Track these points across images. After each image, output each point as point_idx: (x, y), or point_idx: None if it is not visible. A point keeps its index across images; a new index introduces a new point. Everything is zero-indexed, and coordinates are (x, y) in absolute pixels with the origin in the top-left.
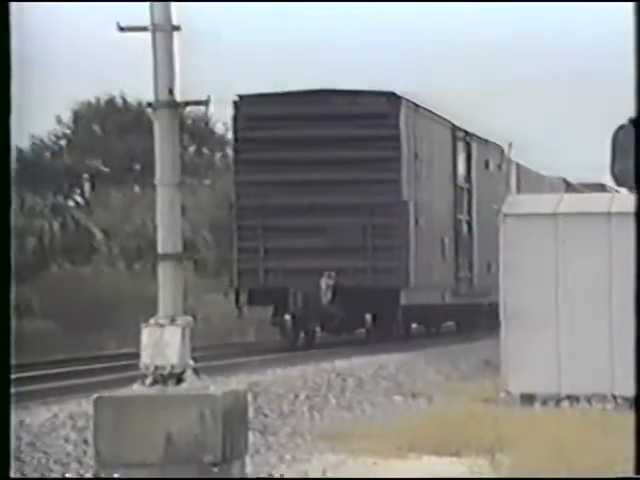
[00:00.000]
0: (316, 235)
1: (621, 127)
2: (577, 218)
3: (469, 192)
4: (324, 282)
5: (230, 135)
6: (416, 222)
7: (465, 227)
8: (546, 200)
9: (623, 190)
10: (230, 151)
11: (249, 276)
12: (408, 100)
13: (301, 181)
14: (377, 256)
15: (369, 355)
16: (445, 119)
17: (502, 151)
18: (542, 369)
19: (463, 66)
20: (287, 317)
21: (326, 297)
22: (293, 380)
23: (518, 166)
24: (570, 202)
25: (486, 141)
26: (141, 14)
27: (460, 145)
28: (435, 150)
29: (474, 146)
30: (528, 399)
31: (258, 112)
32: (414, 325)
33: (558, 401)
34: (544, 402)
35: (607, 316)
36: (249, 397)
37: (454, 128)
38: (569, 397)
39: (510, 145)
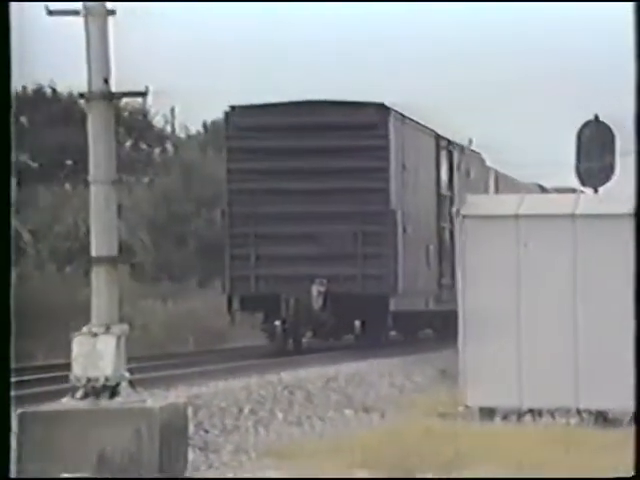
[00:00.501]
0: (307, 243)
1: (586, 124)
2: (540, 220)
3: (451, 200)
4: (315, 289)
5: (169, 129)
6: (404, 230)
7: (447, 234)
8: (507, 201)
9: (588, 191)
10: (170, 146)
11: (241, 283)
12: (396, 111)
13: (292, 190)
14: (367, 263)
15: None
16: (429, 128)
17: (481, 159)
18: (503, 381)
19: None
20: (277, 323)
21: (317, 303)
22: (236, 393)
23: (496, 173)
24: (532, 203)
25: (462, 147)
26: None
27: (443, 154)
28: (420, 159)
29: (456, 155)
30: (488, 413)
31: (249, 122)
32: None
33: (520, 415)
34: (505, 416)
35: (572, 323)
36: (189, 411)
37: (437, 137)
38: (531, 411)
39: (470, 141)
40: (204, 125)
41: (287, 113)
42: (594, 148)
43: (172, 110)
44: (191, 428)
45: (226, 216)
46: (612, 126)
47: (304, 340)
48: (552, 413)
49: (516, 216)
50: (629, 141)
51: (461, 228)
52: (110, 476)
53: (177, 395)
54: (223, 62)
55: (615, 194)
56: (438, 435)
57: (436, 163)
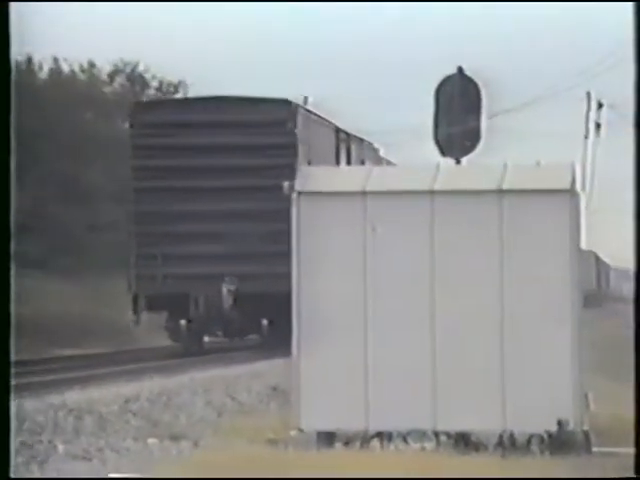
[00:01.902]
0: (215, 241)
1: (446, 80)
2: (391, 198)
3: None
4: (225, 287)
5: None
6: None
7: None
8: (352, 174)
9: (449, 161)
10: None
11: (147, 282)
12: (302, 106)
13: (200, 188)
14: (275, 262)
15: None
16: (330, 122)
17: (375, 149)
18: (345, 398)
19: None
20: (182, 322)
21: (227, 302)
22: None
23: (388, 163)
24: (383, 177)
25: (362, 140)
26: None
27: (342, 147)
28: (323, 154)
29: (353, 147)
30: (327, 438)
31: (154, 119)
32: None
33: (365, 440)
34: (347, 442)
35: (429, 325)
36: None
37: (337, 130)
38: (380, 435)
39: (306, 98)
40: None
41: (193, 109)
42: (456, 109)
43: None
44: None
45: (131, 215)
46: (478, 81)
47: (207, 340)
48: (404, 437)
49: (363, 193)
50: (497, 99)
51: (296, 207)
52: None
53: None
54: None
55: (481, 166)
56: (264, 467)
57: (336, 156)
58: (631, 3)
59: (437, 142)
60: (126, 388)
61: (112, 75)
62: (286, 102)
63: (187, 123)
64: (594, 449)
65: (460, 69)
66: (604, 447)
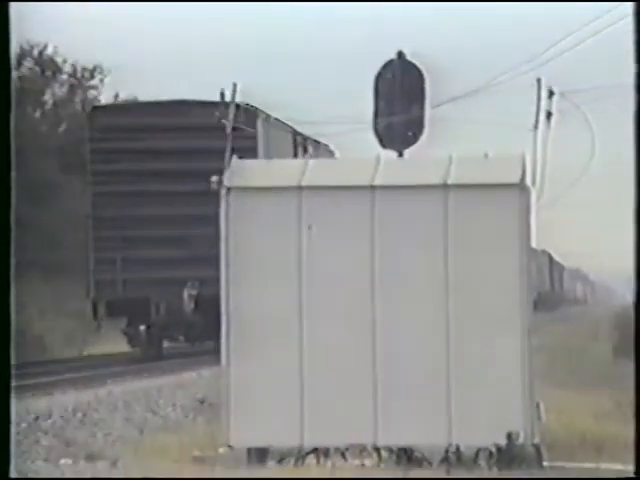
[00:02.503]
0: (176, 245)
1: (387, 65)
2: (329, 193)
3: None
4: (187, 292)
5: None
6: None
7: None
8: (286, 168)
9: (390, 153)
10: None
11: (107, 287)
12: (262, 111)
13: (159, 192)
14: None
15: None
16: (288, 125)
17: (331, 151)
18: (279, 411)
19: None
20: (142, 327)
21: (189, 307)
22: None
23: None
24: (320, 171)
25: (319, 143)
26: None
27: (300, 150)
28: (281, 157)
29: (310, 150)
30: (259, 455)
31: (112, 123)
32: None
33: (301, 457)
34: (281, 459)
35: (369, 333)
36: None
37: (295, 133)
38: (316, 451)
39: (234, 86)
40: None
41: (152, 113)
42: (397, 97)
43: None
44: None
45: (90, 219)
46: (421, 67)
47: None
48: (343, 452)
49: (298, 188)
50: (441, 87)
51: (225, 205)
52: None
53: None
54: None
55: (425, 159)
56: None
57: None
58: (631, 3)
59: (377, 133)
60: (37, 403)
61: (19, 59)
62: (246, 107)
63: (147, 127)
64: (545, 464)
65: (401, 54)
66: (556, 462)
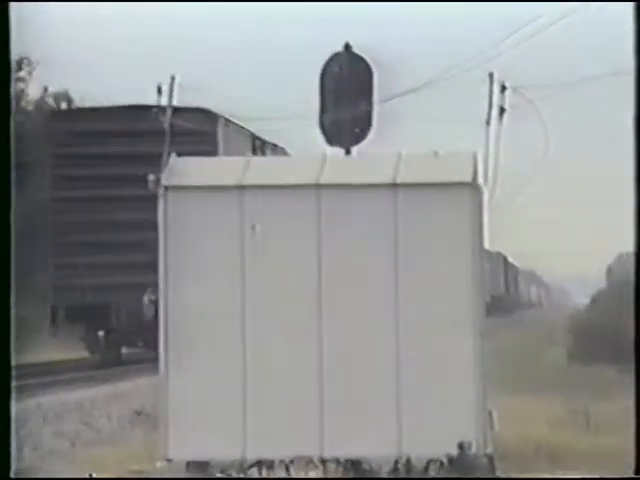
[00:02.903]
0: (136, 251)
1: (333, 57)
2: (272, 193)
3: None
4: (147, 297)
5: None
6: None
7: None
8: (227, 166)
9: (337, 151)
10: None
11: (66, 293)
12: (222, 116)
13: (119, 197)
14: None
15: None
16: (247, 129)
17: (288, 154)
18: (220, 423)
19: None
20: (101, 333)
21: (149, 313)
22: None
23: None
24: (263, 169)
25: (276, 146)
26: None
27: (259, 153)
28: None
29: (268, 153)
30: (199, 469)
31: (72, 127)
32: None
33: (243, 470)
34: (222, 471)
35: (315, 339)
36: None
37: (253, 137)
38: (259, 463)
39: (172, 79)
40: None
41: (115, 118)
42: (344, 92)
43: None
44: None
45: (50, 225)
46: (369, 60)
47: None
48: (287, 465)
49: (240, 187)
50: (390, 81)
51: (163, 205)
52: None
53: None
54: None
55: (373, 156)
56: None
57: None
58: (631, 3)
59: (323, 130)
60: None
61: None
62: (206, 111)
63: (105, 132)
64: (498, 474)
65: (348, 46)
66: (509, 472)
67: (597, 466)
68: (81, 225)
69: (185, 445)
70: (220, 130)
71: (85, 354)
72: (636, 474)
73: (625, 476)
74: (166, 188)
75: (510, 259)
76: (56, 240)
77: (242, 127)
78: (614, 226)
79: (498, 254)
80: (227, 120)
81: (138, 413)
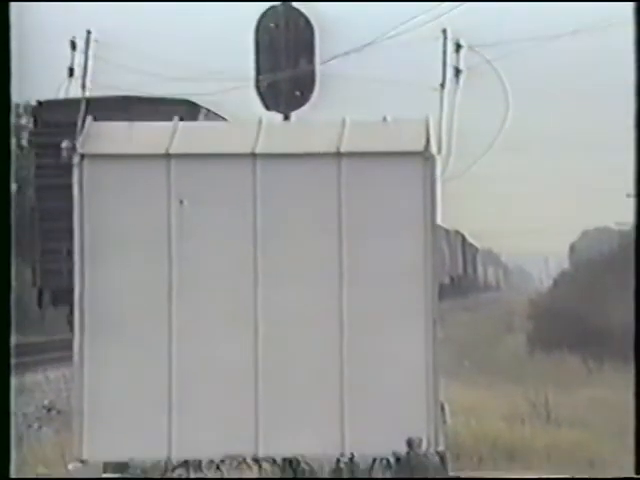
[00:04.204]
0: None
1: (268, 11)
2: (203, 162)
3: None
4: None
5: None
6: None
7: None
8: (153, 132)
9: (275, 116)
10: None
11: (53, 276)
12: (203, 106)
13: None
14: None
15: None
16: (225, 119)
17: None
18: (142, 419)
19: None
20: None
21: None
22: None
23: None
24: (192, 136)
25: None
26: None
27: None
28: None
29: None
30: (117, 471)
31: (56, 118)
32: None
33: (167, 471)
34: (144, 474)
35: (250, 325)
36: None
37: None
38: (185, 464)
39: (88, 34)
40: None
41: (97, 108)
42: (282, 50)
43: None
44: None
45: (36, 211)
46: (309, 15)
47: None
48: (218, 465)
49: (166, 156)
50: (333, 38)
51: (78, 174)
52: None
53: None
54: None
55: (314, 122)
56: None
57: None
58: (631, 3)
59: (259, 92)
60: None
61: None
62: (188, 102)
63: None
64: (451, 474)
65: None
66: (463, 471)
67: (558, 464)
68: (66, 212)
69: (102, 444)
70: (201, 120)
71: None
72: (636, 474)
73: (625, 476)
74: (82, 156)
75: (468, 237)
76: (43, 227)
77: (222, 117)
78: (579, 201)
79: (456, 232)
80: (208, 111)
81: (48, 409)
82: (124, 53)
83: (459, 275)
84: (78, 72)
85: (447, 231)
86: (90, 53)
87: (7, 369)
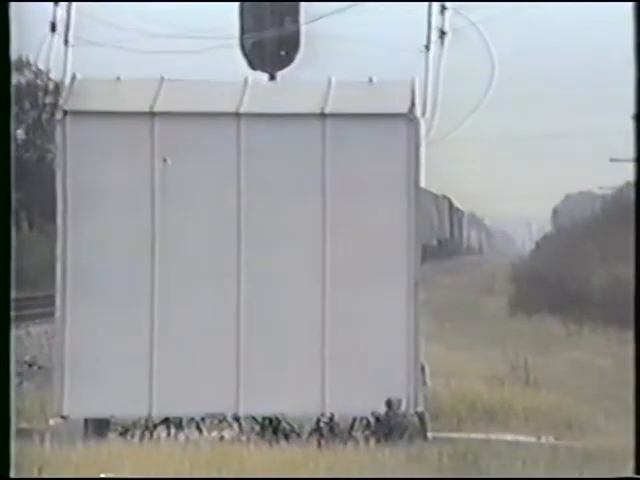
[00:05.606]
0: None
1: None
2: (187, 121)
3: None
4: None
5: None
6: None
7: None
8: (137, 90)
9: (261, 76)
10: None
11: None
12: None
13: None
14: None
15: None
16: None
17: None
18: (123, 376)
19: None
20: None
21: None
22: None
23: None
24: (177, 95)
25: None
26: None
27: None
28: None
29: None
30: (98, 427)
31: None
32: None
33: (148, 429)
34: (125, 431)
35: (232, 285)
36: None
37: None
38: (166, 422)
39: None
40: None
41: None
42: (267, 9)
43: None
44: None
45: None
46: None
47: None
48: (198, 423)
49: (150, 114)
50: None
51: (61, 131)
52: None
53: None
54: None
55: (300, 82)
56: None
57: None
58: (631, 3)
59: (244, 52)
60: None
61: None
62: None
63: None
64: (429, 435)
65: None
66: (441, 432)
67: (536, 425)
68: None
69: (83, 400)
70: None
71: None
72: (636, 474)
73: (625, 476)
74: (65, 112)
75: (455, 202)
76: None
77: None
78: (563, 164)
79: (444, 197)
80: None
81: (29, 364)
82: (107, 9)
83: (446, 238)
84: (60, 28)
85: (436, 196)
86: (73, 8)
87: (7, 370)
